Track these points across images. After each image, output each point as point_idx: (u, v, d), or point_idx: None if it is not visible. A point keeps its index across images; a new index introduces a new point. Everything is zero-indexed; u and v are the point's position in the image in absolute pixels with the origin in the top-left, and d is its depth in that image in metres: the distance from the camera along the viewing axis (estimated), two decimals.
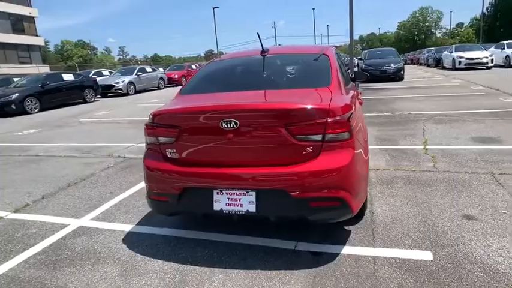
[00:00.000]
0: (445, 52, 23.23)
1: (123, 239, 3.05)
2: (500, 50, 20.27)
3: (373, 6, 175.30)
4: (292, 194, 2.31)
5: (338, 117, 2.32)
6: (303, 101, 2.40)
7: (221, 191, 2.45)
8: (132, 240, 3.03)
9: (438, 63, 25.08)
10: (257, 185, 2.37)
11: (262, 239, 2.85)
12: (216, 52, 43.34)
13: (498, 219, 2.92)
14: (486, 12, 62.77)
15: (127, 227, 3.28)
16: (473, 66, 19.39)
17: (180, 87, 3.51)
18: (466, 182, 3.75)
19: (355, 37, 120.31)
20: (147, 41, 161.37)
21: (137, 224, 3.32)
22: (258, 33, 3.15)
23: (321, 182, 2.29)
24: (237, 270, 2.47)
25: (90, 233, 3.22)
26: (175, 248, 2.83)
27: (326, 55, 3.20)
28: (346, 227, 2.95)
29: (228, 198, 2.44)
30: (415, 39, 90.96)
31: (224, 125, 2.36)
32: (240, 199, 2.42)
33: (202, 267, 2.54)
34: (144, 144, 2.86)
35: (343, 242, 2.74)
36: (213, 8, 40.49)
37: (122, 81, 18.03)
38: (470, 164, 4.30)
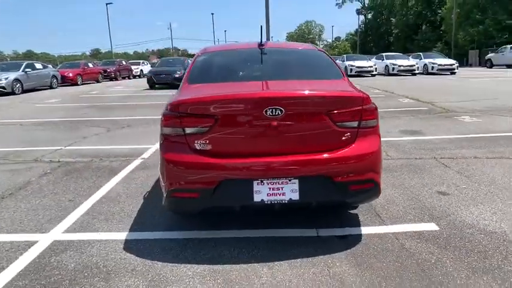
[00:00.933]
0: (338, 61, 26.20)
1: (125, 248, 2.65)
2: (381, 61, 23.93)
3: (264, 16, 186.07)
4: (335, 179, 2.37)
5: (370, 105, 2.48)
6: (341, 90, 2.49)
7: (262, 181, 2.36)
8: (137, 248, 2.65)
9: None
10: (301, 172, 2.36)
11: (280, 230, 2.82)
12: (104, 51, 40.11)
13: (464, 193, 3.49)
14: (359, 29, 72.73)
15: (120, 235, 2.85)
16: (361, 73, 22.39)
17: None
18: (421, 166, 4.36)
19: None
20: (19, 36, 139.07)
21: (131, 231, 2.92)
22: (261, 26, 3.12)
23: (359, 166, 2.41)
24: (278, 262, 2.41)
25: (75, 246, 2.70)
26: (196, 250, 2.58)
27: (321, 51, 3.35)
28: (351, 212, 3.13)
29: (270, 188, 2.36)
30: None
31: (269, 112, 2.28)
32: (282, 188, 2.36)
33: (240, 265, 2.39)
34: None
35: (358, 224, 2.91)
36: (106, 4, 37.41)
37: (6, 78, 15.19)
38: (413, 151, 5.00)
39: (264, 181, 2.36)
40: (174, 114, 2.40)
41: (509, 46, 28.02)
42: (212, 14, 55.39)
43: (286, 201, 2.37)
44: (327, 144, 2.40)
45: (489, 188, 3.57)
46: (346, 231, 2.81)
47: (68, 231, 2.95)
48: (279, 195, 2.37)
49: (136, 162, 4.89)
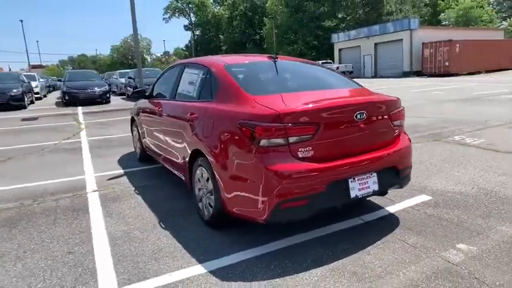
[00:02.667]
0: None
1: (215, 281, 2.40)
2: None
3: (84, 27, 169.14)
4: (398, 167, 2.88)
5: (402, 107, 3.10)
6: (387, 95, 3.00)
7: (354, 179, 2.63)
8: (226, 276, 2.45)
9: None
10: (379, 166, 2.76)
11: (330, 227, 3.06)
12: None
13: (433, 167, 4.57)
14: (189, 45, 75.65)
15: (192, 270, 2.52)
16: None
17: None
18: None
19: (64, 57, 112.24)
20: None
21: (204, 262, 2.61)
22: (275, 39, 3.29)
23: (407, 155, 3.01)
24: (365, 249, 2.70)
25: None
26: (282, 264, 2.56)
27: (322, 64, 3.80)
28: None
29: (359, 184, 2.66)
30: (130, 63, 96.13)
31: (358, 116, 2.59)
32: (367, 182, 2.70)
33: (340, 260, 2.57)
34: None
35: (380, 207, 3.48)
36: None
37: None
38: None
39: (355, 178, 2.64)
40: (278, 126, 2.39)
41: (320, 62, 35.05)
42: (21, 20, 46.00)
43: (371, 193, 2.73)
44: (388, 140, 2.89)
45: None
46: (380, 213, 3.35)
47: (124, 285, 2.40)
48: (366, 188, 2.70)
49: (95, 196, 4.10)
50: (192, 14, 76.93)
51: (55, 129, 9.23)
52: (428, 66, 26.66)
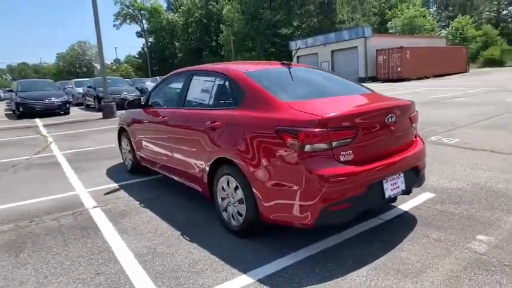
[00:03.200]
0: (149, 82, 26.05)
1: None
2: None
3: (26, 34, 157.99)
4: (419, 167, 3.05)
5: (417, 111, 3.29)
6: (405, 99, 3.17)
7: (387, 179, 2.75)
8: (278, 284, 2.44)
9: None
10: (406, 166, 2.90)
11: (351, 229, 3.13)
12: None
13: None
14: (142, 52, 73.70)
15: (246, 279, 2.48)
16: None
17: None
18: None
19: (2, 66, 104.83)
20: None
21: (248, 272, 2.57)
22: (298, 47, 3.35)
23: (423, 156, 3.19)
24: (397, 247, 2.83)
25: None
26: (325, 267, 2.61)
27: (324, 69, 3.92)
28: None
29: (391, 184, 2.78)
30: (78, 72, 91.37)
31: (389, 119, 2.72)
32: (397, 182, 2.83)
33: (373, 262, 2.64)
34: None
35: (393, 206, 3.64)
36: None
37: None
38: None
39: (388, 179, 2.76)
40: (322, 130, 2.44)
41: None
42: None
43: (400, 193, 2.86)
44: (409, 141, 3.06)
45: None
46: (395, 212, 3.50)
47: None
48: (396, 188, 2.83)
49: (98, 212, 3.87)
50: (144, 21, 75.01)
51: (20, 144, 8.53)
52: (382, 72, 28.26)
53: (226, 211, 3.19)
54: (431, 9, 57.10)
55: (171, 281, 2.51)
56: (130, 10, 73.72)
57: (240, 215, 3.00)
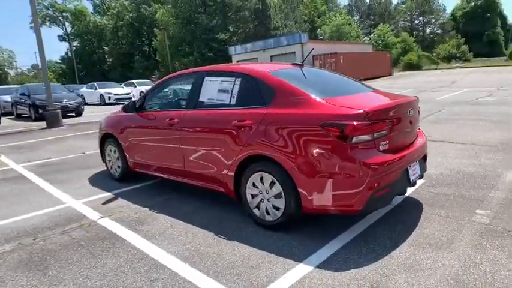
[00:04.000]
0: (84, 89, 24.37)
1: (332, 272, 2.55)
2: (94, 90, 23.16)
3: None
4: (426, 155, 3.47)
5: None
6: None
7: (410, 166, 3.09)
8: (337, 267, 2.62)
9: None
10: (420, 154, 3.29)
11: (371, 215, 3.47)
12: None
13: None
14: (66, 56, 68.44)
15: (304, 267, 2.61)
16: (121, 101, 22.05)
17: None
18: None
19: None
20: None
21: (303, 260, 2.69)
22: (312, 48, 3.57)
23: (427, 146, 3.62)
24: (417, 230, 3.19)
25: None
26: (370, 248, 2.86)
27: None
28: None
29: (412, 170, 3.13)
30: None
31: (411, 112, 3.07)
32: (415, 168, 3.20)
33: (407, 240, 2.98)
34: None
35: None
36: None
37: None
38: None
39: (411, 165, 3.10)
40: (367, 123, 2.68)
41: None
42: None
43: (418, 178, 3.23)
44: (417, 133, 3.45)
45: None
46: (400, 197, 3.87)
47: None
48: (415, 174, 3.19)
49: (109, 222, 3.66)
50: (67, 24, 69.58)
51: None
52: None
53: (258, 208, 3.27)
54: (355, 18, 61.97)
55: (233, 277, 2.54)
56: (50, 11, 67.79)
57: (277, 209, 3.12)
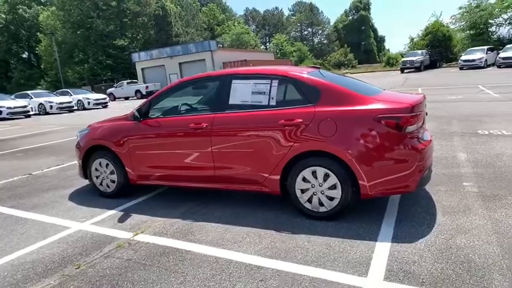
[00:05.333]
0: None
1: (410, 243, 2.96)
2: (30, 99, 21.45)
3: None
4: None
5: None
6: None
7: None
8: (409, 237, 3.04)
9: None
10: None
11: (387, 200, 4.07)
12: None
13: None
14: None
15: (383, 245, 2.94)
16: (17, 115, 19.35)
17: None
18: None
19: None
20: None
21: (378, 240, 3.03)
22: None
23: None
24: (438, 204, 3.84)
25: None
26: (412, 228, 3.40)
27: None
28: None
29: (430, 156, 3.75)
30: None
31: (425, 107, 3.69)
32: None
33: (441, 212, 3.61)
34: None
35: None
36: None
37: None
38: None
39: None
40: (414, 115, 3.16)
41: (125, 81, 33.63)
42: None
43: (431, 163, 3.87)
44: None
45: None
46: None
47: None
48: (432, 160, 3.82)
49: (150, 237, 3.41)
50: None
51: None
52: None
53: (310, 201, 3.49)
54: (251, 27, 65.20)
55: (336, 263, 2.73)
56: None
57: (331, 199, 3.39)
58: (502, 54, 24.23)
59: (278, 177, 3.58)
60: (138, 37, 47.04)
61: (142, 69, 36.39)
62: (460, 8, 33.44)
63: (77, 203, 4.57)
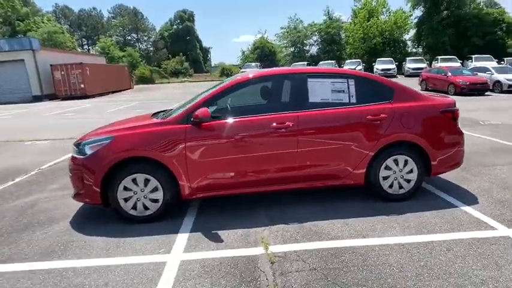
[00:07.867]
0: None
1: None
2: None
3: None
4: None
5: None
6: None
7: None
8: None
9: None
10: None
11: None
12: None
13: None
14: None
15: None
16: None
17: None
18: None
19: None
20: None
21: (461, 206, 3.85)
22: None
23: None
24: (462, 184, 5.04)
25: None
26: (461, 197, 4.46)
27: None
28: None
29: None
30: None
31: None
32: None
33: (473, 191, 4.80)
34: None
35: None
36: None
37: None
38: None
39: None
40: (457, 108, 4.17)
41: None
42: None
43: None
44: None
45: None
46: None
47: None
48: None
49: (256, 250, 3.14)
50: None
51: None
52: (63, 89, 25.97)
53: (391, 186, 4.02)
54: (65, 27, 56.72)
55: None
56: None
57: (408, 181, 4.03)
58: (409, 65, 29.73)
59: (364, 170, 3.94)
60: None
61: None
62: (282, 28, 39.84)
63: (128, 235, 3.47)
